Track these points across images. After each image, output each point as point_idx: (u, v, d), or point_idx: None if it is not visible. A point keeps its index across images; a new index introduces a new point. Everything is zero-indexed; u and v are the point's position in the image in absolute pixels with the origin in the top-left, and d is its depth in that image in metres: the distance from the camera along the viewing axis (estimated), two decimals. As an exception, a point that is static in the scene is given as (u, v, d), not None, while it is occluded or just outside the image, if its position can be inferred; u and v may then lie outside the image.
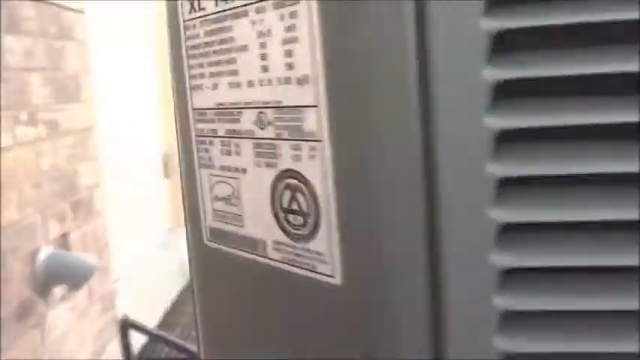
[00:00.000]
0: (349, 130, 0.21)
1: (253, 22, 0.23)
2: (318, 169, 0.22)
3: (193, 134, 0.29)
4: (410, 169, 0.20)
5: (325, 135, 0.21)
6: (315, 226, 0.23)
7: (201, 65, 0.27)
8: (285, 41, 0.22)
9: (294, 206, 0.24)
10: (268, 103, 0.24)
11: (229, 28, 0.25)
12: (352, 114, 0.21)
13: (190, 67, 0.28)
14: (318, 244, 0.23)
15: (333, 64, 0.21)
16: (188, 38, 0.27)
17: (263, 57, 0.23)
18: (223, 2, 0.25)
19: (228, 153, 0.27)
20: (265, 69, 0.23)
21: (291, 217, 0.24)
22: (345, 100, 0.21)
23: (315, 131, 0.22)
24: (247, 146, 0.25)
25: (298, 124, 0.23)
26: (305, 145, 0.22)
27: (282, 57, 0.23)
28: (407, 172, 0.20)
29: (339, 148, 0.21)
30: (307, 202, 0.23)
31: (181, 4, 0.27)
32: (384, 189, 0.20)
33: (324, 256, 0.23)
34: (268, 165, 0.25)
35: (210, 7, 0.26)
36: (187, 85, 0.28)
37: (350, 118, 0.21)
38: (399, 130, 0.20)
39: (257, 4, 0.23)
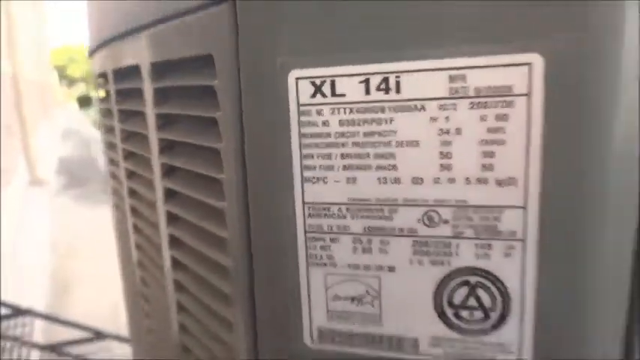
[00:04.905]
0: (558, 231, 0.22)
1: (433, 119, 0.22)
2: (515, 268, 0.22)
3: (301, 230, 0.25)
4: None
5: (532, 236, 0.22)
6: (500, 320, 0.23)
7: (326, 156, 0.24)
8: (485, 142, 0.22)
9: (471, 302, 0.23)
10: (444, 201, 0.23)
11: (388, 121, 0.23)
12: (561, 215, 0.21)
13: (304, 156, 0.24)
14: (502, 336, 0.23)
15: (549, 169, 0.21)
16: (305, 124, 0.24)
17: (444, 155, 0.22)
18: (381, 92, 0.22)
19: (366, 251, 0.24)
20: (446, 167, 0.22)
21: (464, 312, 0.23)
22: (557, 203, 0.21)
23: (516, 231, 0.22)
24: (401, 244, 0.24)
25: (491, 223, 0.22)
26: (498, 244, 0.22)
27: (477, 157, 0.22)
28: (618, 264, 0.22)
29: (544, 248, 0.22)
30: (492, 298, 0.23)
31: (297, 83, 0.23)
32: (593, 286, 0.22)
33: (508, 346, 0.23)
34: (434, 263, 0.23)
35: (354, 94, 0.23)
36: (297, 176, 0.24)
37: (559, 219, 0.22)
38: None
39: (441, 101, 0.22)
